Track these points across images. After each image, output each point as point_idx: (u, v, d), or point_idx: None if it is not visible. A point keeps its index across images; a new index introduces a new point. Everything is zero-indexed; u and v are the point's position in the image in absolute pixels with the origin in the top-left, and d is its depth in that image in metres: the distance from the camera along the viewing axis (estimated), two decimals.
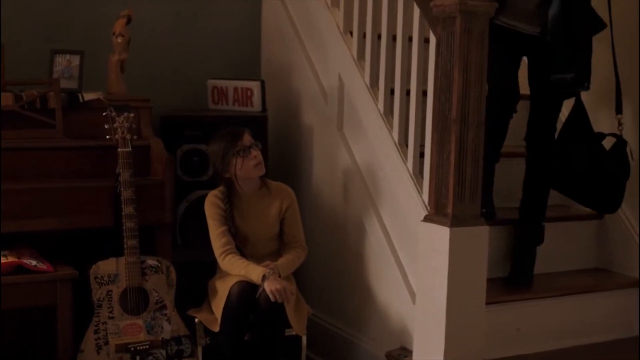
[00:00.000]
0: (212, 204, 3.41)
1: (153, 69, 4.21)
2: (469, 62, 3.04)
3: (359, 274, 3.74)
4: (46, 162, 3.49)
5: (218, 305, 3.30)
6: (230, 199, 3.42)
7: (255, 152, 3.40)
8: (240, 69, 4.40)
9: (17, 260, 3.24)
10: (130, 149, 3.40)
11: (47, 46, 3.81)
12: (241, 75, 4.24)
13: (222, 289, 3.31)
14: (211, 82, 4.18)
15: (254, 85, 4.07)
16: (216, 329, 3.30)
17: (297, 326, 3.34)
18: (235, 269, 3.30)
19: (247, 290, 3.24)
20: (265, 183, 3.49)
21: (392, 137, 3.55)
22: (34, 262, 3.26)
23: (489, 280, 3.18)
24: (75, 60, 3.79)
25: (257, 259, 3.37)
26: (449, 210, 3.09)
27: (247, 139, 3.40)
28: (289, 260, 3.39)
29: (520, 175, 3.70)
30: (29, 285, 3.22)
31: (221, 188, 3.43)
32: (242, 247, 3.42)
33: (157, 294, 3.36)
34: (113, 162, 3.43)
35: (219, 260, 3.37)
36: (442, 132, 3.13)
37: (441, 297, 3.09)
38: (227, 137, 3.40)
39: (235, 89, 4.11)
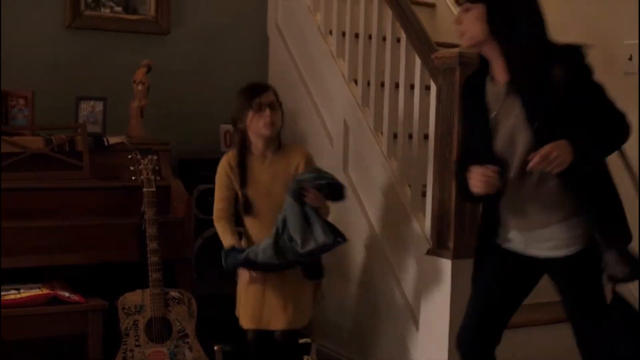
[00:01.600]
0: (222, 169, 3.44)
1: (170, 114, 4.41)
2: None
3: (365, 304, 3.93)
4: (75, 201, 3.68)
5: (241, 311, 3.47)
6: (245, 159, 3.42)
7: (269, 112, 3.33)
8: None
9: (52, 291, 3.43)
10: (154, 189, 3.59)
11: (73, 93, 4.03)
12: None
13: (244, 297, 3.45)
14: (223, 127, 4.37)
15: None
16: (245, 325, 3.44)
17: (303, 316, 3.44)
18: (219, 232, 3.44)
19: (260, 337, 3.44)
20: (281, 145, 3.46)
21: (395, 177, 3.75)
22: (67, 294, 3.45)
23: None
24: (99, 106, 4.02)
25: (277, 213, 3.32)
26: (451, 244, 3.34)
27: (267, 96, 3.36)
28: None
29: None
30: (64, 315, 3.40)
31: (235, 151, 3.44)
32: (259, 203, 3.39)
33: (179, 324, 3.54)
34: (136, 200, 3.63)
35: (214, 221, 3.47)
36: (443, 172, 3.39)
37: (444, 324, 3.32)
38: (249, 90, 3.38)
39: None
